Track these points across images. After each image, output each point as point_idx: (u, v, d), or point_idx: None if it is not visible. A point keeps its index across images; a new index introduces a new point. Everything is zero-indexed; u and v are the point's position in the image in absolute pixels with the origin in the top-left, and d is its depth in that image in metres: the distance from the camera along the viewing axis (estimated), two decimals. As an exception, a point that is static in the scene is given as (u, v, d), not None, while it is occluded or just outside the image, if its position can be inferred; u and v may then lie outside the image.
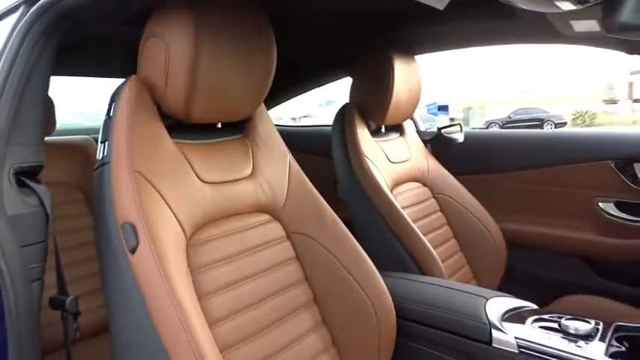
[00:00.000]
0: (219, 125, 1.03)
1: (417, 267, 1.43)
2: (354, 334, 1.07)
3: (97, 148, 1.37)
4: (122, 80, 0.92)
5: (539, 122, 17.56)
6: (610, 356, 0.97)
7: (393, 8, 1.41)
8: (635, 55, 1.46)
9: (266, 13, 0.98)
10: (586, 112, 20.44)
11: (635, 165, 1.65)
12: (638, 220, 1.62)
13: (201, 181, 0.94)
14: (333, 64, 2.02)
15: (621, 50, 1.44)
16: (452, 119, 17.14)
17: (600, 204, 1.71)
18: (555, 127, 16.47)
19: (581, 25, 1.25)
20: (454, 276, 1.61)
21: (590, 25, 1.21)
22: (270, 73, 1.01)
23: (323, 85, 2.23)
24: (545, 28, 1.32)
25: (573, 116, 19.92)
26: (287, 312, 1.03)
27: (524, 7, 0.99)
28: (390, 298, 1.07)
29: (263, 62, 0.99)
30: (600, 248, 1.69)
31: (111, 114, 0.87)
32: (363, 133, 1.58)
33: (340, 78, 2.07)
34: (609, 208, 1.70)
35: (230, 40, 0.91)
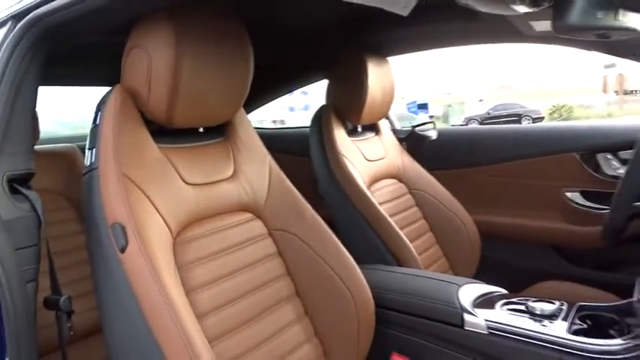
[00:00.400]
0: (201, 129, 1.08)
1: (394, 259, 1.50)
2: (335, 324, 1.13)
3: (81, 155, 1.42)
4: (105, 88, 0.97)
5: (517, 117, 17.80)
6: (572, 333, 1.04)
7: (362, 13, 1.48)
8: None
9: (243, 21, 1.04)
10: (562, 107, 20.80)
11: (598, 155, 1.75)
12: (602, 207, 1.70)
13: (186, 183, 0.99)
14: (309, 68, 2.09)
15: (579, 47, 1.52)
16: (431, 117, 17.33)
17: (567, 194, 1.80)
18: (533, 122, 16.72)
19: (540, 25, 1.33)
20: (431, 267, 1.68)
21: (549, 25, 1.28)
22: (248, 78, 1.06)
23: (300, 87, 2.29)
24: (507, 29, 1.39)
25: (550, 110, 20.25)
26: (270, 305, 1.08)
27: (483, 10, 1.06)
28: (369, 289, 1.14)
29: (241, 69, 1.04)
30: (569, 236, 1.77)
31: (97, 122, 0.92)
32: (339, 133, 1.65)
33: (316, 81, 2.14)
34: (576, 197, 1.79)
35: (209, 49, 0.96)
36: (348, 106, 1.67)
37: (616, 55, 1.54)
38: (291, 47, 1.79)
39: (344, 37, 1.68)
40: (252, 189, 1.14)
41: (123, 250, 0.82)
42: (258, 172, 1.16)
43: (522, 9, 1.02)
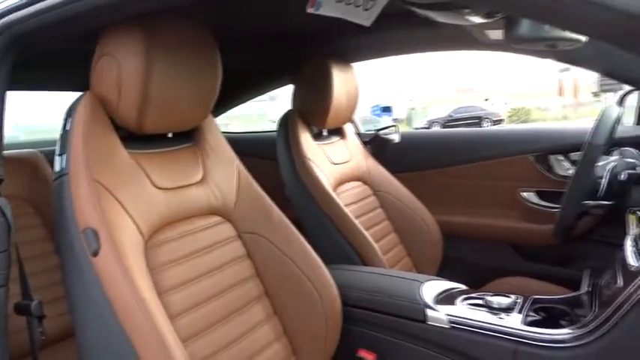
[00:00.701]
0: (171, 135, 1.11)
1: (359, 259, 1.55)
2: (303, 322, 1.17)
3: (44, 161, 1.41)
4: (74, 93, 0.98)
5: (478, 120, 18.22)
6: (527, 324, 1.11)
7: (327, 21, 1.52)
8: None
9: (211, 27, 1.07)
10: (520, 109, 21.43)
11: (551, 157, 1.84)
12: (555, 206, 1.79)
13: (156, 187, 1.01)
14: (276, 73, 2.12)
15: (532, 55, 1.61)
16: (395, 120, 17.56)
17: (523, 194, 1.89)
18: (493, 124, 17.14)
19: (495, 34, 1.40)
20: (395, 266, 1.74)
21: (502, 34, 1.36)
22: (216, 85, 1.09)
23: (267, 92, 2.33)
24: (465, 36, 1.46)
25: (509, 113, 20.82)
26: (240, 305, 1.11)
27: (441, 21, 1.12)
28: (336, 288, 1.18)
29: (209, 76, 1.07)
30: (525, 234, 1.86)
31: (67, 128, 0.93)
32: (305, 137, 1.68)
33: (283, 85, 2.17)
34: (531, 197, 1.88)
35: (179, 57, 0.99)
36: (314, 111, 1.71)
37: (565, 63, 1.64)
38: (258, 53, 1.82)
39: (309, 44, 1.73)
40: (221, 193, 1.16)
41: (95, 254, 0.84)
42: (227, 176, 1.19)
43: (477, 20, 1.09)
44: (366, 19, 0.98)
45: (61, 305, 1.26)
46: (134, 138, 1.02)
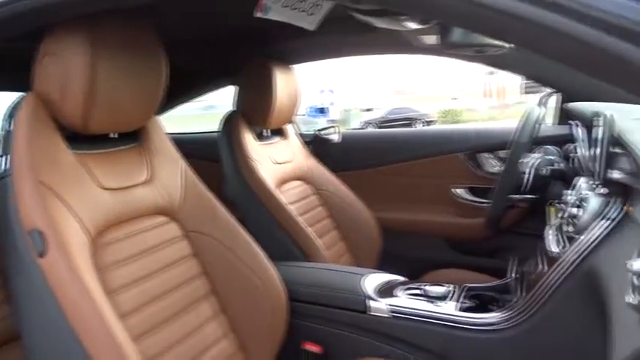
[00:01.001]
0: (116, 135, 1.10)
1: (303, 255, 1.59)
2: (249, 318, 1.20)
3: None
4: (15, 93, 0.96)
5: (411, 121, 18.74)
6: (461, 310, 1.20)
7: (269, 24, 1.56)
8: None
9: (155, 29, 1.08)
10: (451, 111, 22.28)
11: (480, 155, 1.96)
12: (485, 201, 1.91)
13: (102, 188, 1.01)
14: (219, 74, 2.12)
15: (464, 59, 1.72)
16: (333, 121, 17.72)
17: (455, 190, 2.00)
18: (426, 125, 17.68)
19: (429, 39, 1.49)
20: (338, 262, 1.79)
21: (436, 39, 1.45)
22: (160, 86, 1.10)
23: (209, 92, 2.32)
24: (401, 41, 1.54)
25: (440, 114, 21.58)
26: (188, 303, 1.13)
27: (379, 26, 1.18)
28: (281, 283, 1.21)
29: (155, 77, 1.08)
30: (458, 228, 1.97)
31: (10, 128, 0.91)
32: (248, 138, 1.71)
33: (226, 86, 2.18)
34: (462, 193, 2.00)
35: (124, 58, 0.99)
36: (256, 112, 1.73)
37: (494, 67, 1.76)
38: (200, 54, 1.82)
39: (252, 46, 1.75)
40: (167, 192, 1.17)
41: (42, 255, 0.83)
42: (172, 176, 1.19)
43: (413, 26, 1.15)
44: (310, 23, 1.02)
45: (3, 309, 1.22)
46: (78, 138, 1.01)
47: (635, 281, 0.58)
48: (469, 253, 1.94)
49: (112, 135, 1.09)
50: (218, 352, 1.15)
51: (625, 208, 0.95)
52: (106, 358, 0.80)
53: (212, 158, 1.74)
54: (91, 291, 0.83)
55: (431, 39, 1.50)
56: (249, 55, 1.73)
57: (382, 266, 1.80)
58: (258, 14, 0.97)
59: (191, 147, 2.26)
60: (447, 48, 1.12)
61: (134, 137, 1.17)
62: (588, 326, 0.98)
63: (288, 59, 1.83)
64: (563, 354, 1.02)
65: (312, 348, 1.27)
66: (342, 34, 1.63)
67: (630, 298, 0.58)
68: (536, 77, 1.76)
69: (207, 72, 2.10)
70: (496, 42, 1.09)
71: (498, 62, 1.76)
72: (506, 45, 1.11)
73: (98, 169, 1.02)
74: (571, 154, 1.51)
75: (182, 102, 2.35)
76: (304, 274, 1.37)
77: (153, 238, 1.10)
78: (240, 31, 1.62)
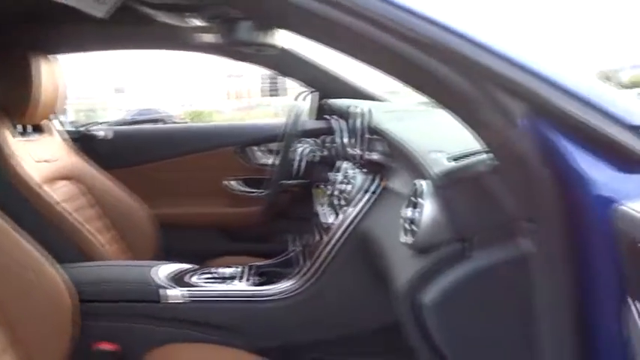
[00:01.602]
0: None
1: (82, 255, 1.50)
2: (34, 327, 1.10)
3: None
4: None
5: (159, 122, 18.26)
6: (253, 285, 1.32)
7: (27, 10, 1.43)
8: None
9: None
10: (203, 112, 22.46)
11: (250, 148, 2.11)
12: (256, 191, 2.07)
13: None
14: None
15: (242, 61, 1.85)
16: (72, 122, 16.11)
17: (230, 182, 2.11)
18: (176, 126, 17.42)
19: (208, 37, 1.56)
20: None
21: (216, 37, 1.52)
22: None
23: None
24: (177, 37, 1.57)
25: (191, 115, 21.54)
26: None
27: (163, 20, 1.21)
28: (65, 285, 1.14)
29: None
30: (234, 218, 2.09)
31: None
32: (6, 134, 1.53)
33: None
34: (236, 185, 2.12)
35: None
36: (15, 106, 1.57)
37: (270, 69, 1.93)
38: None
39: (8, 36, 1.56)
40: None
41: None
42: None
43: (198, 22, 1.22)
44: (100, 11, 0.99)
45: None
46: None
47: (407, 226, 0.77)
48: (247, 240, 2.07)
49: None
50: None
51: (382, 182, 1.19)
52: None
53: None
54: None
55: (209, 37, 1.58)
56: (5, 45, 1.55)
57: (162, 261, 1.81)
58: None
59: None
60: (232, 45, 1.21)
61: None
62: (367, 284, 1.20)
63: (49, 49, 1.68)
64: (347, 312, 1.23)
65: (106, 347, 1.23)
66: (112, 24, 1.57)
67: (404, 239, 0.77)
68: (300, 78, 1.98)
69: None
70: (271, 42, 1.22)
71: (271, 64, 1.94)
72: (278, 45, 1.25)
73: None
74: (327, 144, 1.77)
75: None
76: (92, 273, 1.31)
77: None
78: None
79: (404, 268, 0.79)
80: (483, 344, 0.70)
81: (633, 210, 0.43)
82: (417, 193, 0.76)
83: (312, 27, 0.71)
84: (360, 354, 1.28)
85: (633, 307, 0.41)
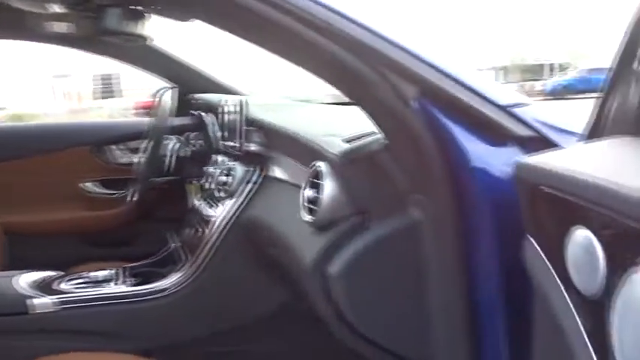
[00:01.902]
0: None
1: None
2: None
3: None
4: None
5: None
6: (131, 286, 1.26)
7: None
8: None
9: None
10: (23, 114, 20.11)
11: (108, 147, 1.97)
12: (117, 192, 1.94)
13: None
14: None
15: (101, 55, 1.73)
16: None
17: (86, 184, 1.95)
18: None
19: (60, 26, 1.43)
20: None
21: (70, 27, 1.41)
22: None
23: None
24: (26, 25, 1.42)
25: (10, 119, 19.20)
26: None
27: (18, 6, 1.10)
28: None
29: None
30: (93, 222, 1.94)
31: None
32: None
33: None
34: (93, 187, 1.97)
35: None
36: None
37: (130, 64, 1.83)
38: None
39: None
40: None
41: None
42: None
43: (58, 9, 1.13)
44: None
45: None
46: None
47: (306, 204, 0.82)
48: (111, 244, 1.94)
49: None
50: None
51: (263, 172, 1.23)
52: None
53: None
54: None
55: (62, 26, 1.45)
56: None
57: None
58: None
59: None
60: (99, 34, 1.15)
61: None
62: (252, 272, 1.22)
63: None
64: (236, 301, 1.24)
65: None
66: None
67: (306, 218, 0.82)
68: (161, 73, 1.91)
69: None
70: (140, 32, 1.18)
71: (131, 58, 1.84)
72: (147, 36, 1.22)
73: None
74: (192, 140, 1.74)
75: None
76: None
77: None
78: None
79: (307, 246, 0.84)
80: (384, 308, 0.78)
81: (532, 162, 0.52)
82: (316, 175, 0.81)
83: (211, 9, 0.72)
84: (256, 341, 1.29)
85: (533, 240, 0.51)
